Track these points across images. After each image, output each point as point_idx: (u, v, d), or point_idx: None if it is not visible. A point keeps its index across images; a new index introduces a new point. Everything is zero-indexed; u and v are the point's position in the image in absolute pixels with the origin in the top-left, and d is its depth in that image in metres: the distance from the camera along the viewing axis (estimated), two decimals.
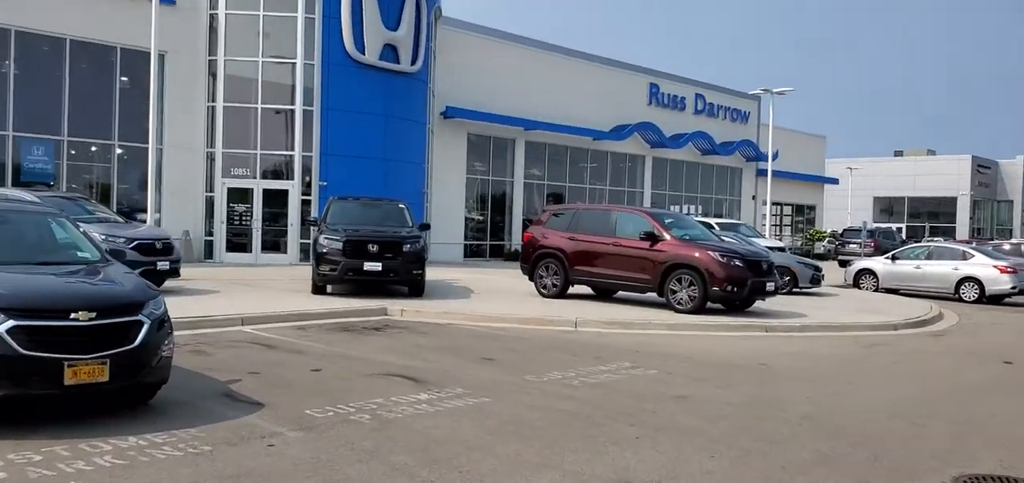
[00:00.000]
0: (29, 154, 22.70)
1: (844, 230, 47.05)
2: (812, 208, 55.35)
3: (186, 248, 25.03)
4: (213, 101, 25.79)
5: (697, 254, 15.63)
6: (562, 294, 17.52)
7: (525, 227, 19.35)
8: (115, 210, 23.94)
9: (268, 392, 8.25)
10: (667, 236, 16.09)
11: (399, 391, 8.58)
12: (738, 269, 15.42)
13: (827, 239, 51.70)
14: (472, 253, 34.21)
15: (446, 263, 29.50)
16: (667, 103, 42.42)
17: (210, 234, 25.76)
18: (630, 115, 39.81)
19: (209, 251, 25.73)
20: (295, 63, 25.80)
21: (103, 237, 14.58)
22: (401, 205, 18.18)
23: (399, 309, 14.82)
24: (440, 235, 31.56)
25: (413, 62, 27.64)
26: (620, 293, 17.80)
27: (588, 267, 16.99)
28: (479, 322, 14.24)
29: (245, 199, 25.75)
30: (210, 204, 25.79)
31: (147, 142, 24.99)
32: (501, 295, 18.17)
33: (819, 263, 24.89)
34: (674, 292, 15.76)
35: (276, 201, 25.87)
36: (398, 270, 15.99)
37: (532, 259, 17.92)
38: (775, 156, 46.64)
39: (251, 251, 25.55)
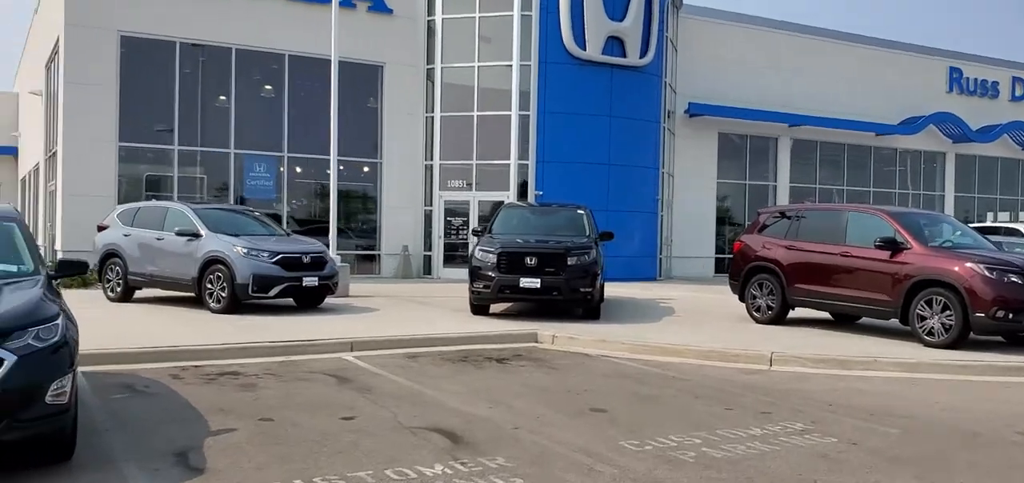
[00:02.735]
0: (251, 171, 23.01)
1: None
2: None
3: (404, 264, 24.25)
4: (431, 111, 24.82)
5: (954, 267, 11.40)
6: (780, 319, 13.89)
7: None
8: (341, 226, 23.90)
9: (235, 455, 6.14)
10: (914, 243, 11.98)
11: (413, 457, 6.14)
12: (1013, 287, 10.99)
13: None
14: (725, 268, 30.42)
15: (687, 280, 26.23)
16: (973, 90, 35.53)
17: (428, 249, 24.76)
18: (924, 105, 33.68)
19: (428, 267, 24.74)
20: (511, 65, 24.01)
21: (245, 251, 13.58)
22: (580, 211, 15.55)
23: (551, 335, 12.23)
24: (683, 248, 28.32)
25: (643, 55, 24.83)
26: (864, 319, 13.82)
27: (809, 284, 13.24)
28: (640, 355, 11.26)
29: (462, 212, 24.43)
30: (428, 218, 24.81)
31: (372, 156, 24.84)
32: (704, 320, 14.90)
33: None
34: (922, 319, 11.63)
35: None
36: (561, 287, 13.40)
37: (742, 274, 14.47)
38: None
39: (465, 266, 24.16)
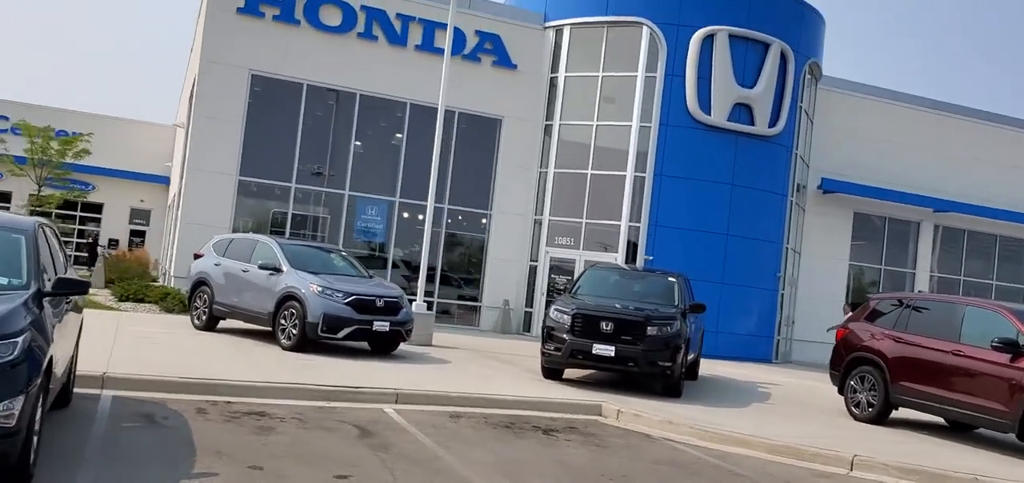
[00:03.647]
0: (363, 213, 23.28)
1: None
2: None
3: (504, 318, 23.81)
4: (545, 167, 24.45)
5: None
6: (882, 418, 12.46)
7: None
8: (446, 273, 23.79)
9: None
10: None
11: None
12: None
13: None
14: None
15: (804, 365, 24.48)
16: None
17: (530, 305, 24.23)
18: None
19: (527, 323, 24.18)
20: (630, 126, 23.44)
21: (320, 289, 13.48)
22: (672, 279, 14.57)
23: (616, 410, 11.37)
24: (805, 331, 26.46)
25: (772, 124, 23.62)
26: (982, 429, 12.20)
27: (915, 383, 11.80)
28: (707, 442, 10.24)
29: (568, 269, 23.80)
30: (533, 273, 24.32)
31: (483, 207, 24.66)
32: (799, 411, 13.62)
33: None
34: None
35: None
36: (637, 358, 12.50)
37: (844, 365, 13.12)
38: None
39: None
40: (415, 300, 16.99)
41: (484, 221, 24.49)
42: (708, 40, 22.85)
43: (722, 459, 9.41)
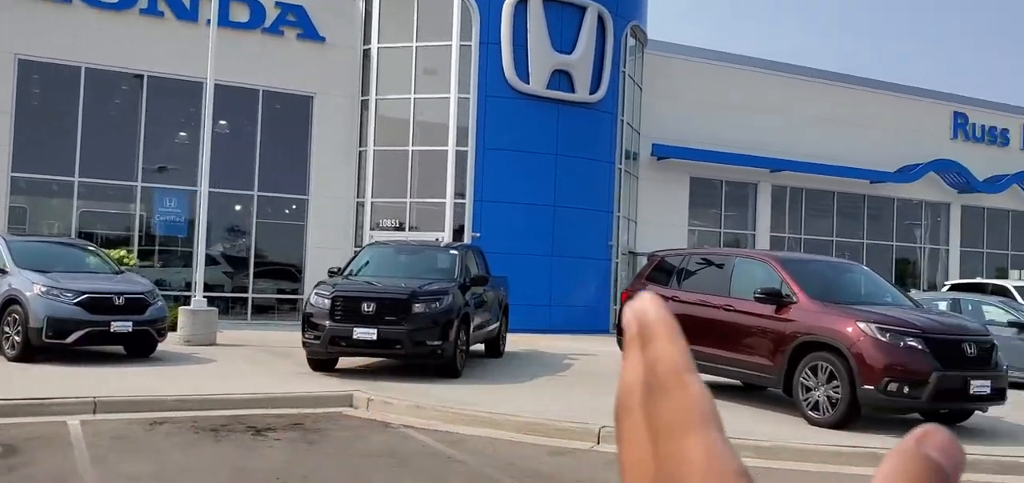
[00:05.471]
0: (161, 206, 21.38)
1: None
2: None
3: None
4: (364, 145, 23.09)
5: (845, 327, 9.20)
6: None
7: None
8: (261, 268, 22.18)
9: None
10: (799, 295, 9.79)
11: None
12: (910, 353, 8.76)
13: None
14: None
15: None
16: (979, 137, 32.98)
17: None
18: (925, 153, 31.15)
19: None
20: (449, 98, 22.28)
21: (44, 289, 11.81)
22: (454, 252, 13.53)
23: (367, 399, 10.20)
24: None
25: (594, 91, 22.93)
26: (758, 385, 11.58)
27: (692, 344, 10.98)
28: (452, 426, 9.19)
29: None
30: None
31: (300, 192, 23.10)
32: (597, 381, 12.78)
33: None
34: (807, 389, 9.42)
35: None
36: (403, 340, 11.37)
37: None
38: None
39: None
40: (194, 297, 15.47)
41: (298, 207, 22.96)
42: (521, 5, 21.93)
43: (452, 444, 8.35)
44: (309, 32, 22.40)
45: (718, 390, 11.94)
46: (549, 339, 19.55)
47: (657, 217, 26.47)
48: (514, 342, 17.36)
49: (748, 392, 11.83)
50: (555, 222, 22.42)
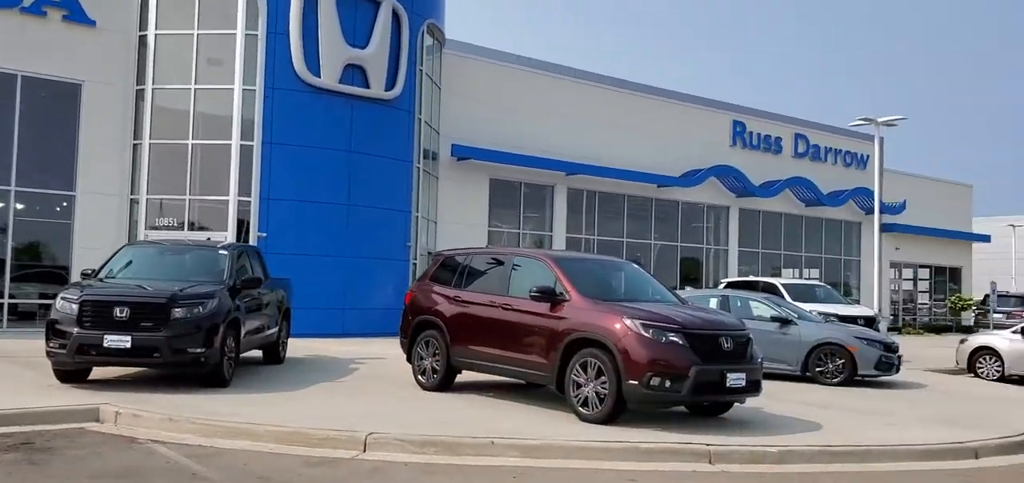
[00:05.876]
0: None
1: (984, 296, 37.92)
2: (957, 270, 45.90)
3: None
4: (139, 138, 21.41)
5: (613, 324, 9.29)
6: (447, 384, 11.51)
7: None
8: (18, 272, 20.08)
9: None
10: (572, 293, 9.83)
11: None
12: (671, 349, 8.98)
13: (974, 307, 42.58)
14: None
15: None
16: (756, 145, 35.30)
17: None
18: (708, 159, 32.97)
19: None
20: (233, 89, 21.14)
21: None
22: (223, 251, 12.63)
23: (115, 413, 9.25)
24: None
25: (390, 87, 22.44)
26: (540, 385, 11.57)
27: (473, 344, 10.90)
28: (204, 438, 8.48)
29: None
30: None
31: (66, 188, 21.10)
32: (378, 385, 12.36)
33: (894, 339, 17.08)
34: (578, 385, 9.45)
35: None
36: (160, 347, 10.44)
37: (410, 330, 12.02)
38: (900, 207, 38.83)
39: None
40: None
41: (67, 204, 20.99)
42: None
43: (201, 459, 7.67)
44: (76, 14, 20.52)
45: (499, 390, 11.85)
46: (340, 344, 18.95)
47: (458, 218, 26.37)
48: (301, 348, 16.65)
49: (530, 391, 11.79)
50: (349, 222, 21.77)
